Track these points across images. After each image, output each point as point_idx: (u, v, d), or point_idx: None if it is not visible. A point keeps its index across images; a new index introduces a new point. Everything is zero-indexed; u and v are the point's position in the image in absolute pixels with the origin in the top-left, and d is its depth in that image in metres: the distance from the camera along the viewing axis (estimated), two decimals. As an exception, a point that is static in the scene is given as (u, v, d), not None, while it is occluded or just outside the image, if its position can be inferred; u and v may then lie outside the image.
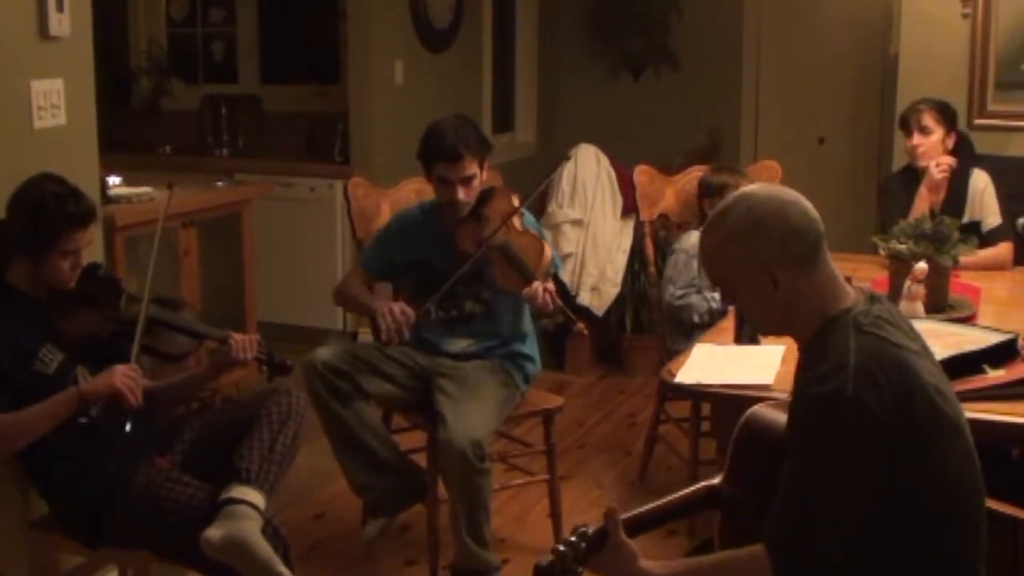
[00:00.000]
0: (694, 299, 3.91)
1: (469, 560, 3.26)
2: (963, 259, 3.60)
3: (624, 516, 1.97)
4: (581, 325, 3.36)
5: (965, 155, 4.19)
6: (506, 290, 3.36)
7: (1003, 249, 4.01)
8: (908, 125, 4.11)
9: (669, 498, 2.11)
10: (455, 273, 3.33)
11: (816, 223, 1.97)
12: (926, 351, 1.97)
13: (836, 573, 1.87)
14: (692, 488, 2.13)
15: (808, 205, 1.98)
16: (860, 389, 1.81)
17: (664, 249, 4.57)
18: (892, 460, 1.83)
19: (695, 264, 3.93)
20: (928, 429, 1.86)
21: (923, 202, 4.01)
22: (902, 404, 1.83)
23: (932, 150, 4.06)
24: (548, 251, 3.36)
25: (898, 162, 4.79)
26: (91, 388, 2.66)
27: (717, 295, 3.84)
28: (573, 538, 1.91)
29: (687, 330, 3.89)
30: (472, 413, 3.22)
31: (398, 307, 3.33)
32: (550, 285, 3.27)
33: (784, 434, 1.95)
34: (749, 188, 2.05)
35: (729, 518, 2.08)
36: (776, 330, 2.06)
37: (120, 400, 2.64)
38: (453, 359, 3.48)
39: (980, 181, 4.10)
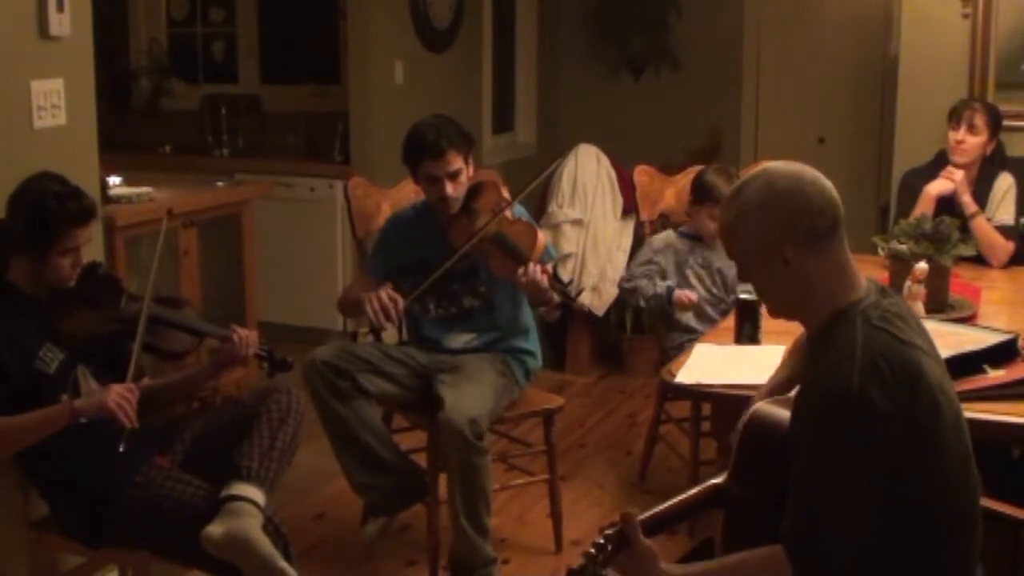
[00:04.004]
0: (641, 283, 3.93)
1: (466, 549, 3.23)
2: (977, 220, 3.93)
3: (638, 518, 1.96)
4: (581, 301, 3.36)
5: (997, 159, 4.21)
6: (501, 276, 3.37)
7: (1006, 243, 4.01)
8: (958, 119, 4.11)
9: (678, 499, 2.10)
10: (447, 268, 3.35)
11: (833, 204, 1.94)
12: (932, 348, 1.96)
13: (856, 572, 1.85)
14: (699, 488, 2.12)
15: (828, 185, 1.96)
16: (866, 385, 1.80)
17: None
18: (895, 459, 1.82)
19: (656, 259, 3.96)
20: (930, 429, 1.85)
21: (927, 203, 4.01)
22: (907, 402, 1.82)
23: (973, 150, 4.10)
24: (542, 236, 3.38)
25: (898, 162, 4.79)
26: (85, 405, 2.62)
27: (669, 282, 3.88)
28: (600, 540, 1.90)
29: (674, 326, 3.91)
30: (469, 394, 3.24)
31: (384, 292, 3.33)
32: (547, 267, 3.28)
33: (788, 430, 1.93)
34: (771, 163, 2.02)
35: (733, 517, 2.07)
36: (786, 313, 2.02)
37: (113, 420, 2.61)
38: (453, 355, 3.49)
39: (1004, 183, 4.13)
